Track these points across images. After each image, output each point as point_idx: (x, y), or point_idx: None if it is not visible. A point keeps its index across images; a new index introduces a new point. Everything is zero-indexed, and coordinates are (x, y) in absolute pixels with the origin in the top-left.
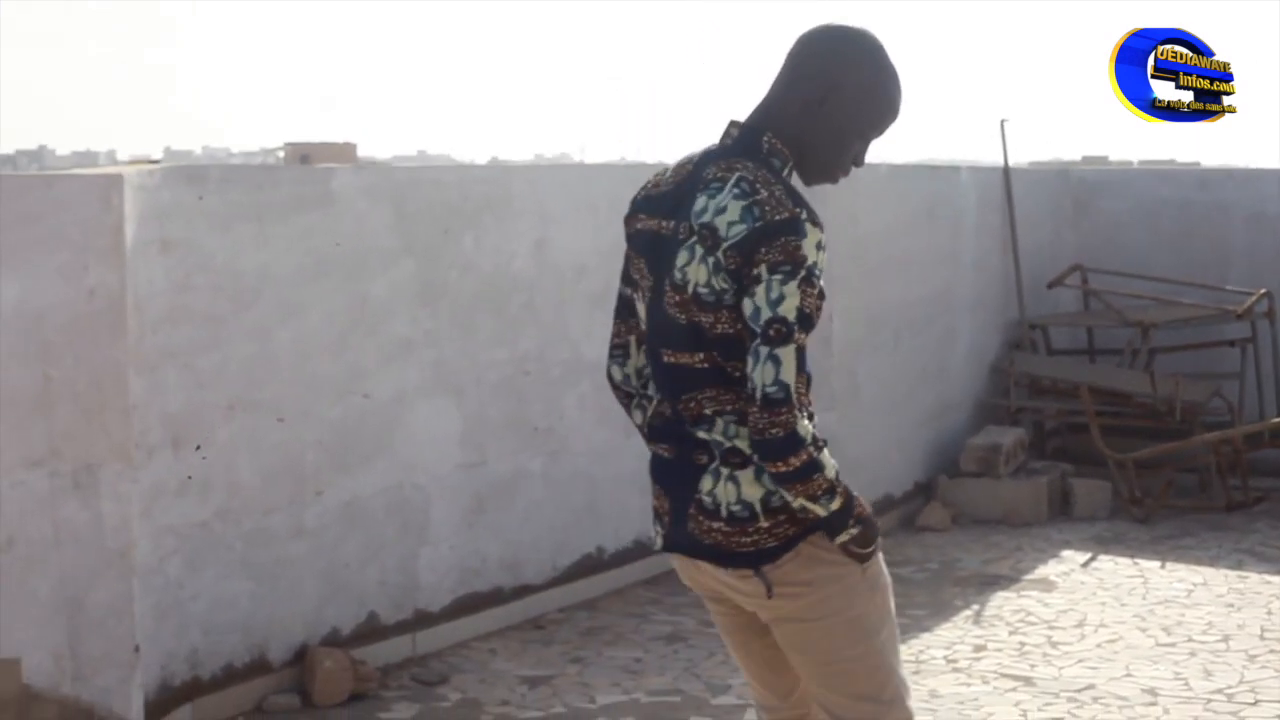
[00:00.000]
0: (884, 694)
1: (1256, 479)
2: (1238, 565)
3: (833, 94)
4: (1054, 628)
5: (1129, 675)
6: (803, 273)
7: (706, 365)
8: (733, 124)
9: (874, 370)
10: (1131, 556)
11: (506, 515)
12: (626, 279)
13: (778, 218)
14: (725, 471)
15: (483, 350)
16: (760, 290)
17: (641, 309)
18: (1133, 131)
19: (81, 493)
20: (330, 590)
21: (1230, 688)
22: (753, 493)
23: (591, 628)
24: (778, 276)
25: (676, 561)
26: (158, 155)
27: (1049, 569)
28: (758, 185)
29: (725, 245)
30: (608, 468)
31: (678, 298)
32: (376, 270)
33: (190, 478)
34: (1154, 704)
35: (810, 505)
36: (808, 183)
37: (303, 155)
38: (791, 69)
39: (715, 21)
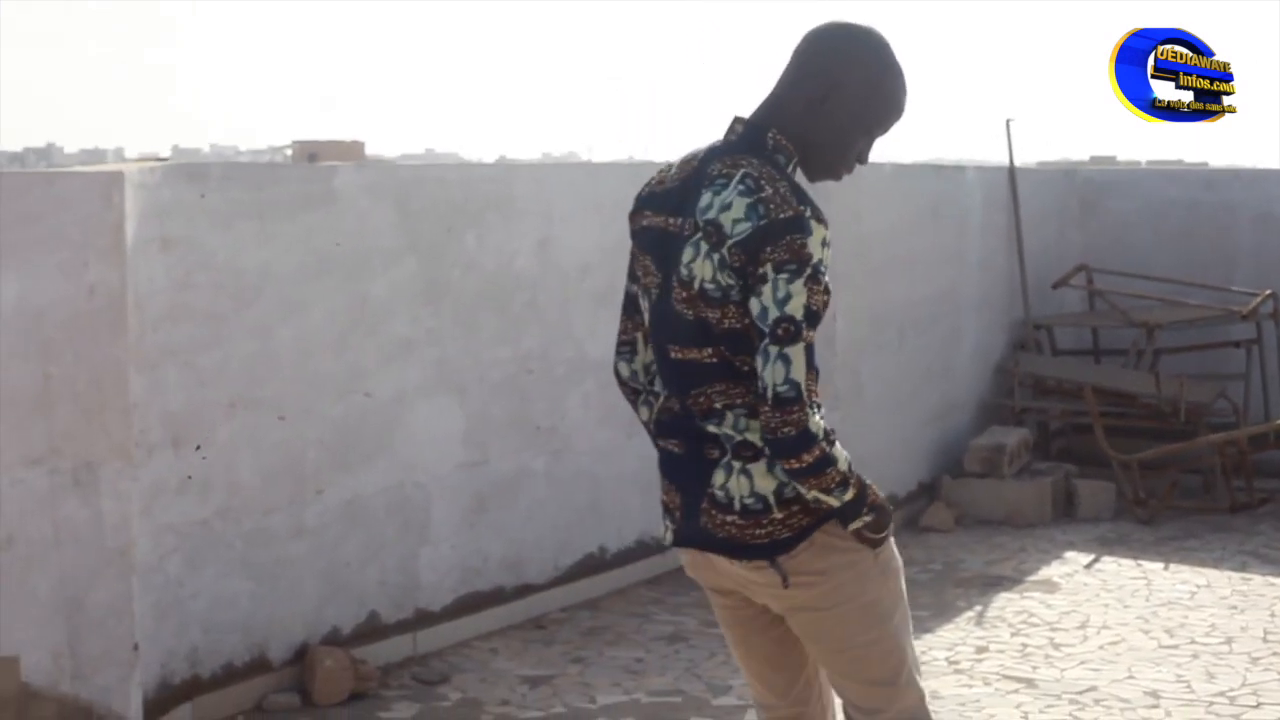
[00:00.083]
0: (899, 678)
1: (1261, 480)
2: (1241, 567)
3: (837, 91)
4: (1056, 629)
5: (1131, 677)
6: (809, 271)
7: (715, 360)
8: (737, 120)
9: (878, 370)
10: (1135, 558)
11: (508, 514)
12: (632, 276)
13: (782, 215)
14: (738, 465)
15: (485, 349)
16: (767, 290)
17: (646, 305)
18: (1140, 132)
19: (81, 491)
20: (331, 589)
21: (1233, 690)
22: (766, 485)
23: (593, 627)
24: (784, 275)
25: (686, 556)
26: (165, 153)
27: (1052, 570)
28: (763, 182)
29: (730, 242)
30: (611, 467)
31: (685, 294)
32: (379, 269)
33: (190, 476)
34: (1156, 706)
35: (824, 497)
36: (812, 179)
37: (310, 153)
38: (797, 66)
39: (715, 21)
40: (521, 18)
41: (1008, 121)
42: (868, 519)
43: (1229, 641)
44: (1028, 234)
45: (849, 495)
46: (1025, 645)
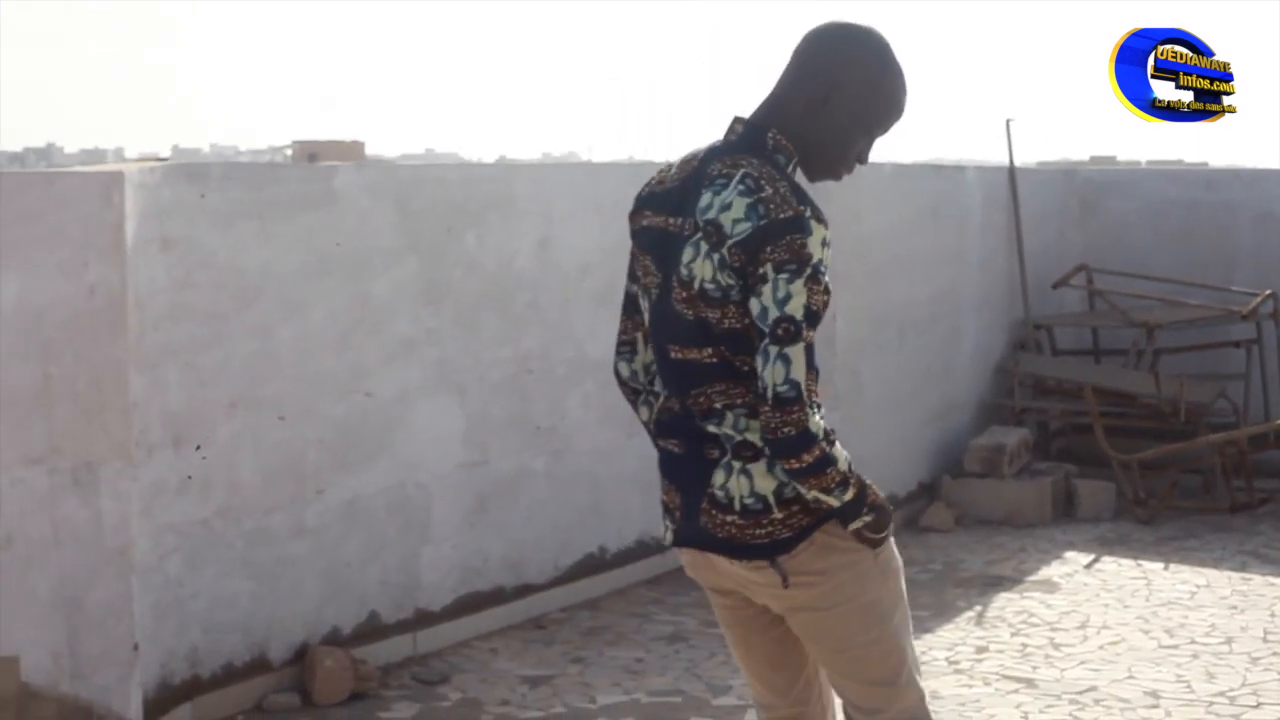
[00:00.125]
0: (899, 677)
1: (1261, 480)
2: (1241, 567)
3: (837, 91)
4: (1056, 629)
5: (1131, 677)
6: (809, 270)
7: (715, 360)
8: (737, 120)
9: (878, 370)
10: (1135, 558)
11: (509, 514)
12: (632, 275)
13: (782, 216)
14: (738, 465)
15: (486, 349)
16: (767, 290)
17: (645, 305)
18: (1141, 132)
19: (81, 491)
20: (331, 589)
21: (1232, 690)
22: (766, 485)
23: (593, 627)
24: (784, 275)
25: (686, 556)
26: (166, 153)
27: (1052, 570)
28: (763, 182)
29: (730, 242)
30: (611, 467)
31: (685, 294)
32: (379, 269)
33: (190, 476)
34: (1156, 706)
35: (824, 497)
36: (812, 179)
37: (311, 153)
38: (797, 66)
39: (715, 21)
40: (522, 18)
41: (1008, 121)
42: (868, 519)
43: (1229, 641)
44: (1028, 234)
45: (849, 495)
46: (1025, 645)
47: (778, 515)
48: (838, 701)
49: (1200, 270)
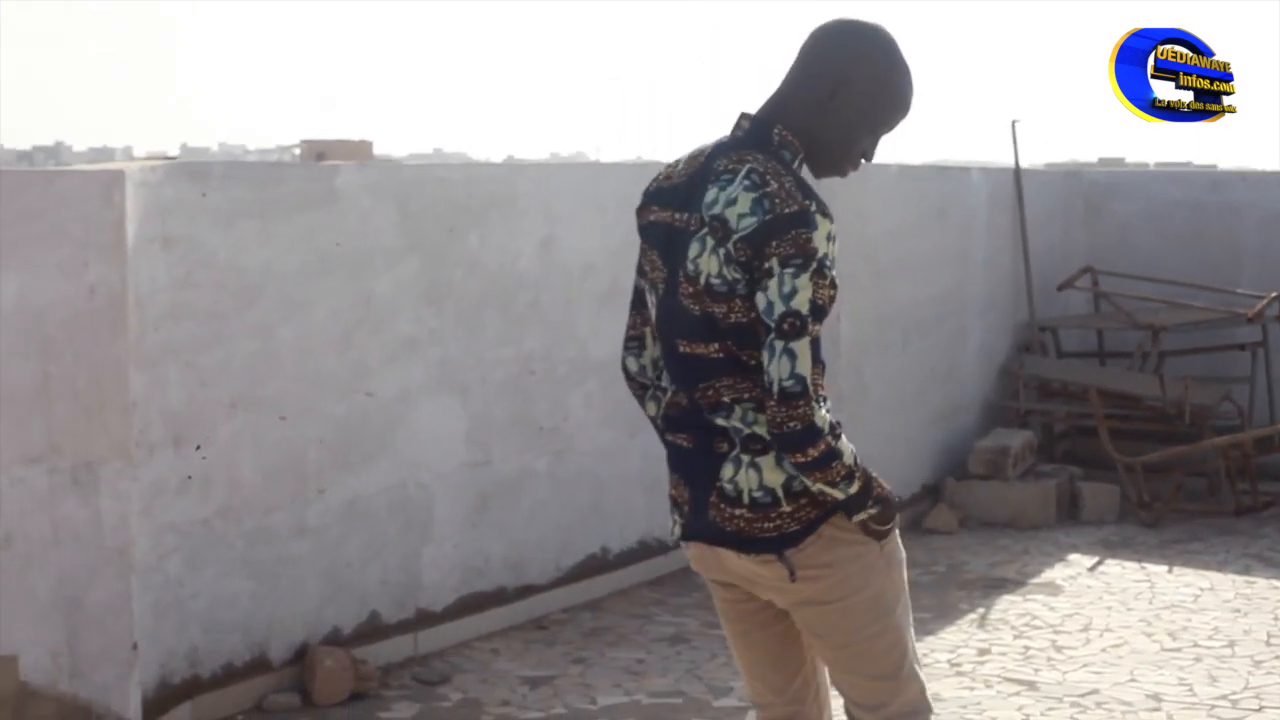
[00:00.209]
0: (901, 671)
1: (1266, 483)
2: (1245, 570)
3: (843, 88)
4: (1059, 632)
5: (1133, 680)
6: (814, 265)
7: (721, 355)
8: (744, 116)
9: (882, 371)
10: (1139, 561)
11: (511, 514)
12: (640, 270)
13: (787, 210)
14: (746, 459)
15: (488, 349)
16: (773, 284)
17: (652, 300)
18: (1149, 134)
19: (80, 490)
20: (332, 589)
21: (1235, 694)
22: (774, 478)
23: (595, 628)
24: (789, 270)
25: (692, 550)
26: (174, 152)
27: (1055, 573)
28: (768, 177)
29: (736, 237)
30: (613, 467)
31: (691, 289)
32: (381, 268)
33: (191, 476)
34: (1158, 709)
35: (830, 490)
36: (817, 176)
37: (319, 153)
38: (803, 63)
39: (719, 21)
40: (530, 18)
41: (1013, 123)
42: (873, 511)
43: (1232, 645)
44: (1033, 235)
45: (854, 488)
46: (1027, 648)
47: (786, 508)
48: (836, 703)
49: (1206, 272)
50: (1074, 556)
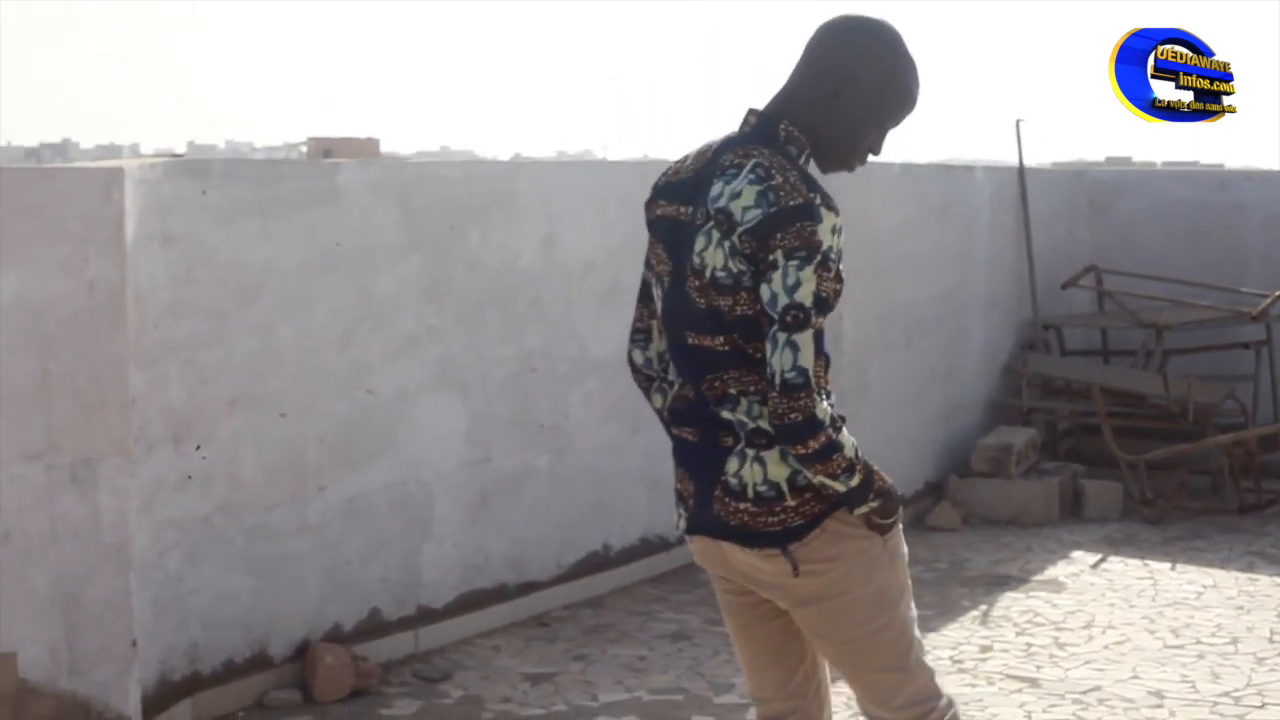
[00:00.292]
0: (907, 662)
1: (1269, 481)
2: (1249, 568)
3: (849, 84)
4: (1061, 629)
5: (1136, 677)
6: (818, 257)
7: (727, 348)
8: (751, 112)
9: (884, 369)
10: (1142, 558)
11: (512, 512)
12: (648, 264)
13: (792, 203)
14: (751, 453)
15: (489, 347)
16: (777, 276)
17: (658, 293)
18: (1156, 133)
19: (79, 487)
20: (332, 586)
21: (1237, 690)
22: (779, 473)
23: (596, 625)
24: (794, 262)
25: (696, 544)
26: (181, 149)
27: (1058, 570)
28: (773, 171)
29: (740, 230)
30: (614, 464)
31: (697, 282)
32: (382, 266)
33: (191, 473)
34: (1160, 706)
35: (830, 483)
36: (824, 171)
37: (325, 150)
38: (809, 58)
39: (720, 20)
40: (539, 16)
41: (1017, 122)
42: (875, 504)
43: (1235, 642)
44: (1037, 234)
45: (855, 481)
46: (1030, 645)
47: (790, 503)
48: (837, 700)
49: (1210, 271)
50: (1077, 554)
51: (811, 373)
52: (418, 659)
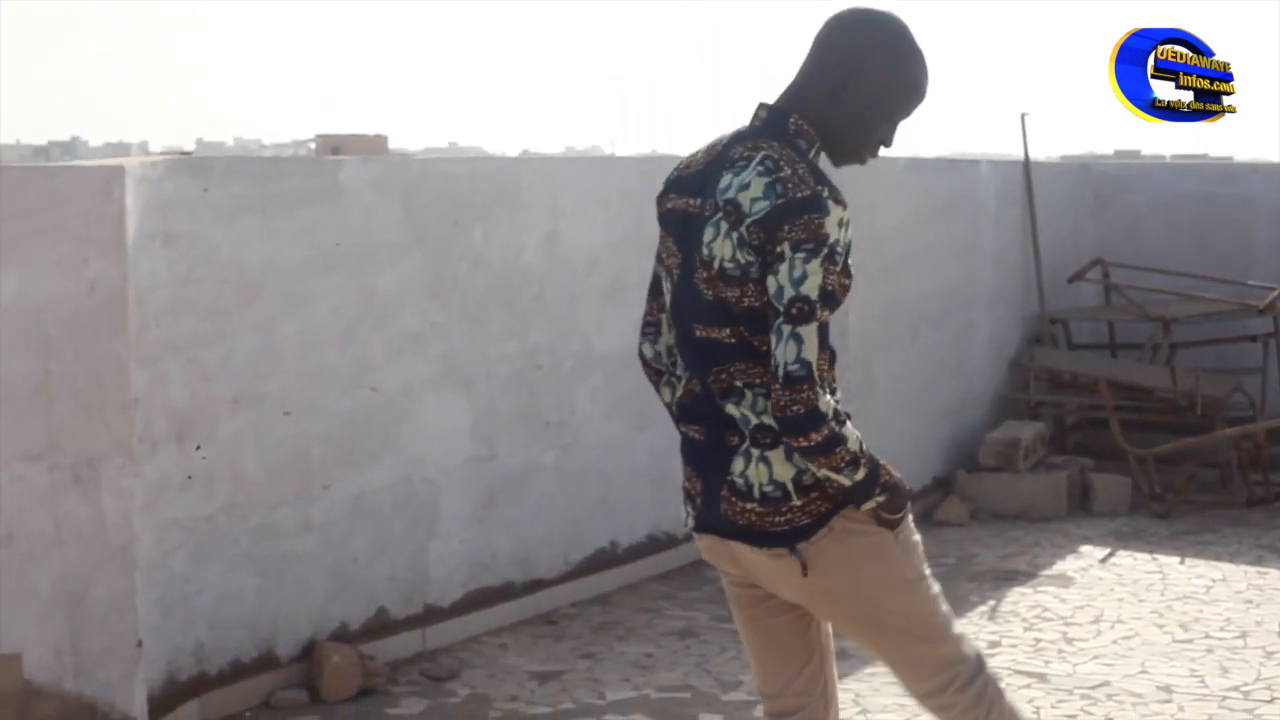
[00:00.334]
0: (933, 634)
1: (1278, 474)
2: (1258, 561)
3: (857, 76)
4: (1070, 624)
5: (1144, 672)
6: (825, 250)
7: (734, 340)
8: (761, 105)
9: (890, 364)
10: (1150, 552)
11: (518, 509)
12: (658, 258)
13: (800, 195)
14: (756, 453)
15: (493, 343)
16: (784, 268)
17: (668, 286)
18: (1166, 127)
19: (82, 487)
20: (338, 585)
21: (1246, 685)
22: (784, 473)
23: (604, 623)
24: (800, 254)
25: (705, 541)
26: (189, 147)
27: (1067, 564)
28: (782, 163)
29: (748, 221)
30: (620, 461)
31: (705, 274)
32: (385, 263)
33: (194, 473)
34: (1169, 701)
35: (835, 476)
36: (836, 164)
37: (334, 147)
38: (817, 52)
39: (724, 18)
40: (545, 14)
41: (1023, 115)
42: (881, 499)
43: (1243, 636)
44: (1043, 228)
45: (860, 475)
46: (1038, 640)
47: (797, 502)
48: (844, 696)
49: (1217, 264)
50: (1085, 548)
51: (815, 366)
52: (425, 658)
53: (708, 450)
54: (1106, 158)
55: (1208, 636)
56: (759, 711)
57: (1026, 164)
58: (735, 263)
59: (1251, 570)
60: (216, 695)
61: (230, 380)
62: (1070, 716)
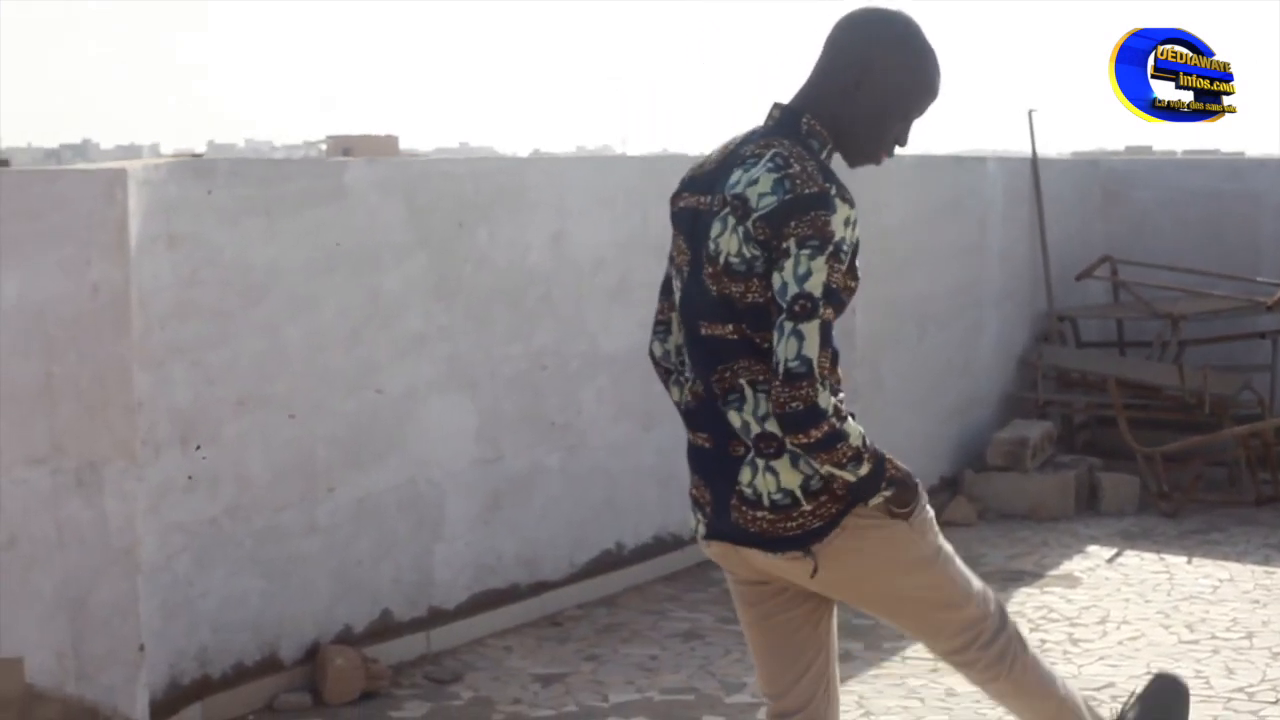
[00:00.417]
0: (954, 599)
1: None
2: (1265, 561)
3: (869, 76)
4: (1076, 624)
5: (1149, 673)
6: (830, 248)
7: (737, 337)
8: (775, 106)
9: (897, 363)
10: (1158, 552)
11: (523, 511)
12: (670, 257)
13: (808, 191)
14: (761, 464)
15: (498, 344)
16: (788, 265)
17: (678, 285)
18: (1181, 126)
19: (85, 490)
20: (343, 588)
21: (1251, 686)
22: (792, 480)
23: (609, 625)
24: (805, 251)
25: (716, 547)
26: (201, 148)
27: (1074, 564)
28: (791, 160)
29: (755, 216)
30: (626, 462)
31: (711, 269)
32: (389, 264)
33: (198, 475)
34: None
35: (838, 472)
36: (852, 165)
37: (345, 148)
38: (829, 53)
39: (724, 20)
40: (557, 14)
41: (1030, 112)
42: (887, 493)
43: (1250, 636)
44: (1051, 225)
45: (864, 469)
46: (1044, 640)
47: (807, 507)
48: (847, 698)
49: (1225, 260)
50: (1093, 548)
51: (816, 363)
52: (429, 660)
53: (715, 459)
54: (1117, 154)
55: (1214, 637)
56: (761, 714)
57: (1034, 161)
58: (740, 258)
59: (1259, 570)
60: (219, 699)
61: (235, 382)
62: None
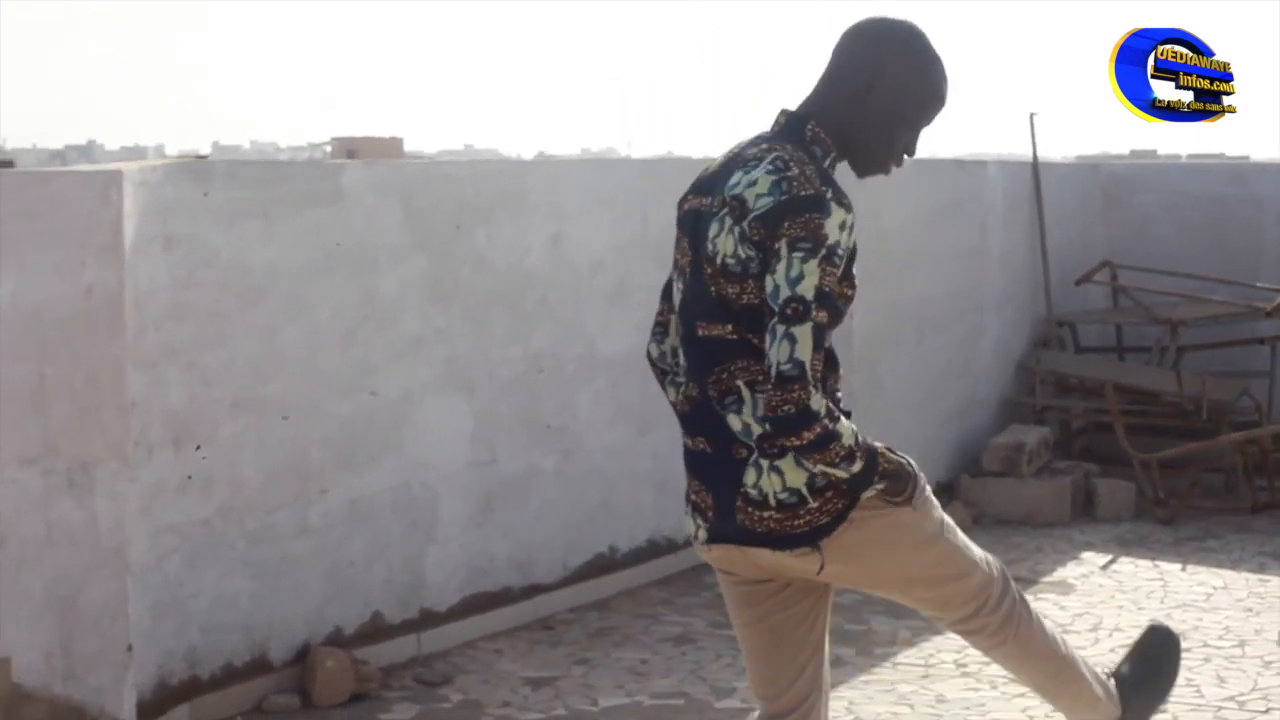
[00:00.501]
0: (960, 568)
1: None
2: (1260, 569)
3: (880, 80)
4: (1068, 631)
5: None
6: (823, 251)
7: (734, 337)
8: (782, 112)
9: (895, 367)
10: (1153, 559)
11: (517, 514)
12: (674, 260)
13: (803, 193)
14: (766, 464)
15: (495, 347)
16: (780, 267)
17: (679, 287)
18: (1182, 126)
19: (76, 491)
20: (334, 589)
21: (1242, 695)
22: (797, 479)
23: (601, 628)
24: (798, 254)
25: (718, 550)
26: (206, 150)
27: (1068, 571)
28: (791, 163)
29: (751, 216)
30: (622, 466)
31: (709, 269)
32: (386, 266)
33: (191, 476)
34: (1163, 711)
35: (831, 470)
36: (860, 174)
37: (349, 150)
38: (836, 61)
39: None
40: (562, 15)
41: (1031, 115)
42: (879, 487)
43: (1242, 645)
44: (1051, 229)
45: (857, 467)
46: None
47: (813, 504)
48: (836, 704)
49: (1226, 265)
50: (1087, 554)
51: (809, 366)
52: (420, 662)
53: (716, 463)
54: (1121, 158)
55: (1206, 645)
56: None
57: (1035, 165)
58: (736, 258)
59: (1253, 578)
60: (208, 700)
61: (230, 384)
62: None
